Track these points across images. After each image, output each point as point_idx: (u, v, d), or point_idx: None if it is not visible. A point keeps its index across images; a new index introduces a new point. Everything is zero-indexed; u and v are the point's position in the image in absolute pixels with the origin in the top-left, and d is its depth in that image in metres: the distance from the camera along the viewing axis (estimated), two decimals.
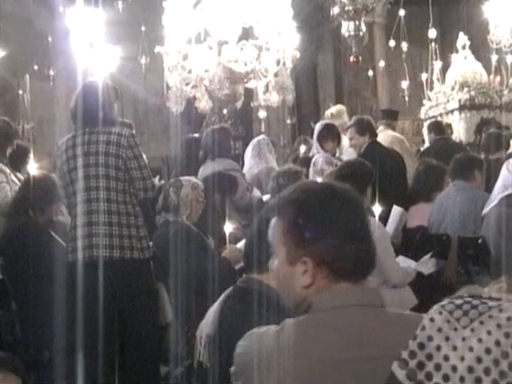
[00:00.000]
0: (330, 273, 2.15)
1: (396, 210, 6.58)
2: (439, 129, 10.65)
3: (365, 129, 8.16)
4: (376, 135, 8.35)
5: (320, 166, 8.05)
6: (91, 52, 10.03)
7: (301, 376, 2.05)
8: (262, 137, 9.39)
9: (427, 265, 6.07)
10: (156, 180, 6.28)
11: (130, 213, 5.30)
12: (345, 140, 9.28)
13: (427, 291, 5.61)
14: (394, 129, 10.88)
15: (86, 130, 5.36)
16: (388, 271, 5.61)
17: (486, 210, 6.17)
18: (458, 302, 1.71)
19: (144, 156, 5.47)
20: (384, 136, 9.72)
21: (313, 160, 8.33)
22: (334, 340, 2.08)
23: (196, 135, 9.31)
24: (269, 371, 2.09)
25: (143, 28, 14.42)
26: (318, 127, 8.95)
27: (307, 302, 2.18)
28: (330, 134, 8.74)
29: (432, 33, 13.37)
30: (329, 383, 2.04)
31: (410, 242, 6.65)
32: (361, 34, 11.00)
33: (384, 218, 6.23)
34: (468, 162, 6.95)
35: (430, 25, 13.43)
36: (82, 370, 4.92)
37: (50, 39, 14.54)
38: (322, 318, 2.13)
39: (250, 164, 8.94)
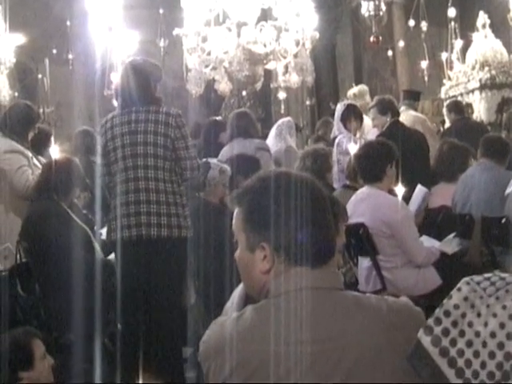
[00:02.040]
0: (287, 258, 2.20)
1: (420, 189, 6.54)
2: (459, 109, 10.58)
3: (386, 108, 8.12)
4: (398, 115, 8.28)
5: (345, 146, 8.03)
6: (110, 36, 10.02)
7: (257, 360, 2.11)
8: (287, 119, 9.38)
9: (451, 244, 6.04)
10: None
11: (176, 192, 5.32)
12: (366, 120, 9.24)
13: (451, 271, 5.58)
14: (415, 109, 10.83)
15: (132, 109, 5.35)
16: (412, 251, 5.59)
17: (509, 190, 6.13)
18: (487, 275, 1.72)
19: (189, 137, 5.51)
20: (406, 116, 9.66)
21: (336, 141, 8.30)
22: (288, 323, 2.12)
23: (217, 118, 9.29)
24: (228, 356, 2.16)
25: (161, 11, 14.40)
26: (340, 108, 8.90)
27: (266, 287, 2.23)
28: (353, 114, 8.70)
29: (451, 12, 13.29)
30: (284, 365, 2.08)
31: (433, 222, 6.62)
32: (380, 13, 10.95)
33: (407, 198, 6.19)
34: (501, 144, 6.92)
35: (450, 4, 13.35)
36: (106, 352, 4.95)
37: (68, 23, 14.54)
38: (278, 302, 2.17)
39: (270, 143, 8.94)
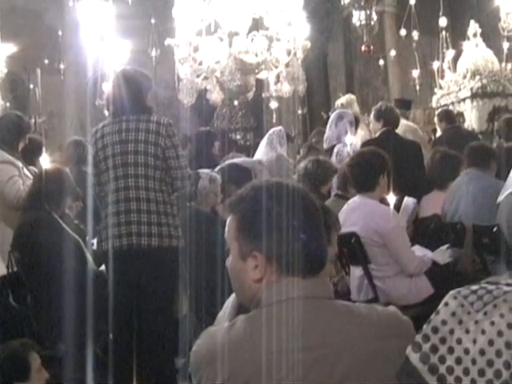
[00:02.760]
0: (279, 267, 2.20)
1: (408, 200, 6.56)
2: (450, 117, 10.61)
3: (379, 116, 8.14)
4: (393, 124, 8.21)
5: (345, 156, 8.08)
6: (101, 46, 10.02)
7: (249, 369, 2.11)
8: (278, 128, 9.39)
9: (444, 255, 6.06)
10: None
11: (166, 201, 5.31)
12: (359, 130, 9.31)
13: (443, 280, 5.60)
14: (407, 118, 10.87)
15: (123, 118, 5.35)
16: (404, 260, 5.60)
17: (501, 198, 6.14)
18: (474, 287, 1.72)
19: (180, 146, 5.49)
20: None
21: (335, 150, 8.34)
22: (280, 332, 2.12)
23: (209, 128, 9.31)
24: (220, 367, 2.15)
25: (153, 21, 14.41)
26: (350, 115, 8.99)
27: (258, 296, 2.23)
28: (358, 124, 8.83)
29: (443, 21, 13.33)
30: (276, 374, 2.08)
31: (425, 231, 6.63)
32: (372, 23, 10.99)
33: (399, 207, 6.21)
34: (484, 151, 6.93)
35: (441, 13, 13.39)
36: (98, 362, 4.94)
37: (60, 33, 14.54)
38: (270, 312, 2.17)
39: (261, 152, 8.96)
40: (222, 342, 2.19)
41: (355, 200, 5.84)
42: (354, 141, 8.64)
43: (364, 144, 8.10)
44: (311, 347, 2.10)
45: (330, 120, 9.32)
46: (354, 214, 5.74)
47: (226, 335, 2.20)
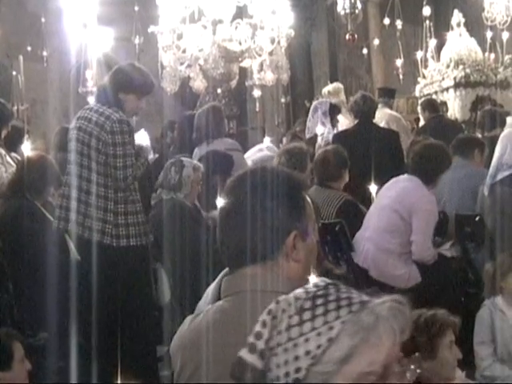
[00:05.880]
0: None
1: None
2: (433, 107, 10.62)
3: (352, 109, 8.26)
4: (366, 116, 8.17)
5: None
6: (84, 33, 9.97)
7: (197, 360, 2.14)
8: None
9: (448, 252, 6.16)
10: (151, 156, 6.25)
11: (108, 197, 5.25)
12: (340, 118, 9.33)
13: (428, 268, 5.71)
14: (390, 107, 10.88)
15: (90, 107, 5.39)
16: (420, 244, 5.78)
17: (484, 188, 6.18)
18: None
19: (128, 145, 5.32)
20: (381, 114, 9.69)
21: (326, 139, 8.39)
22: (225, 325, 2.15)
23: (189, 112, 9.24)
24: (179, 356, 2.22)
25: (136, 8, 14.32)
26: (324, 106, 9.00)
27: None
28: (337, 112, 8.86)
29: (426, 10, 13.33)
30: (221, 366, 2.03)
31: None
32: (356, 11, 10.98)
33: None
34: (469, 141, 7.01)
35: (425, 2, 13.39)
36: (79, 351, 4.93)
37: (43, 20, 14.42)
38: (222, 304, 2.22)
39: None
40: (183, 332, 2.25)
41: (405, 176, 6.00)
42: (324, 132, 8.70)
43: (338, 134, 8.18)
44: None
45: (310, 110, 9.39)
46: (402, 184, 5.94)
47: (188, 326, 2.25)
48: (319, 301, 1.61)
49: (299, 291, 1.67)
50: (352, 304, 1.59)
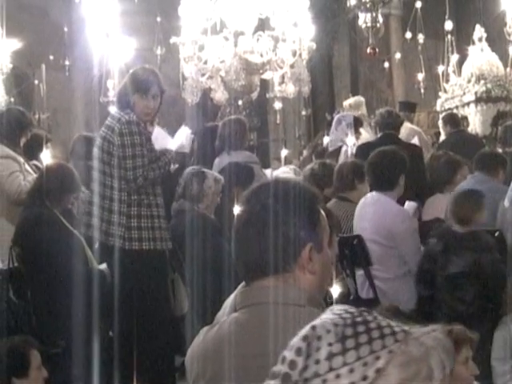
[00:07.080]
0: None
1: (409, 204, 6.57)
2: (455, 121, 10.58)
3: (377, 123, 8.25)
4: (388, 127, 8.17)
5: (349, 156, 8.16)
6: (106, 42, 10.02)
7: (211, 371, 2.15)
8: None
9: None
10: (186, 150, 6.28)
11: (122, 200, 5.27)
12: (363, 131, 9.35)
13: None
14: (411, 121, 10.86)
15: (112, 114, 5.52)
16: (413, 263, 5.64)
17: (506, 202, 6.15)
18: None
19: (137, 146, 5.34)
20: (401, 128, 9.68)
21: (343, 150, 8.39)
22: (246, 336, 2.14)
23: (210, 124, 9.27)
24: (195, 366, 2.22)
25: (159, 19, 14.38)
26: (348, 118, 9.01)
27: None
28: (360, 126, 8.86)
29: (448, 25, 13.30)
30: (236, 378, 2.08)
31: (426, 235, 6.62)
32: (377, 25, 10.96)
33: None
34: (492, 157, 6.97)
35: (447, 17, 13.36)
36: (97, 360, 4.94)
37: (65, 29, 14.52)
38: (240, 316, 2.21)
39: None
40: (197, 344, 2.26)
41: (373, 195, 5.85)
42: (355, 142, 8.69)
43: (361, 146, 8.15)
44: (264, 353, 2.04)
45: (332, 123, 9.38)
46: (370, 209, 5.76)
47: (203, 337, 2.25)
48: (361, 328, 1.47)
49: (330, 316, 1.52)
50: (396, 333, 1.47)
